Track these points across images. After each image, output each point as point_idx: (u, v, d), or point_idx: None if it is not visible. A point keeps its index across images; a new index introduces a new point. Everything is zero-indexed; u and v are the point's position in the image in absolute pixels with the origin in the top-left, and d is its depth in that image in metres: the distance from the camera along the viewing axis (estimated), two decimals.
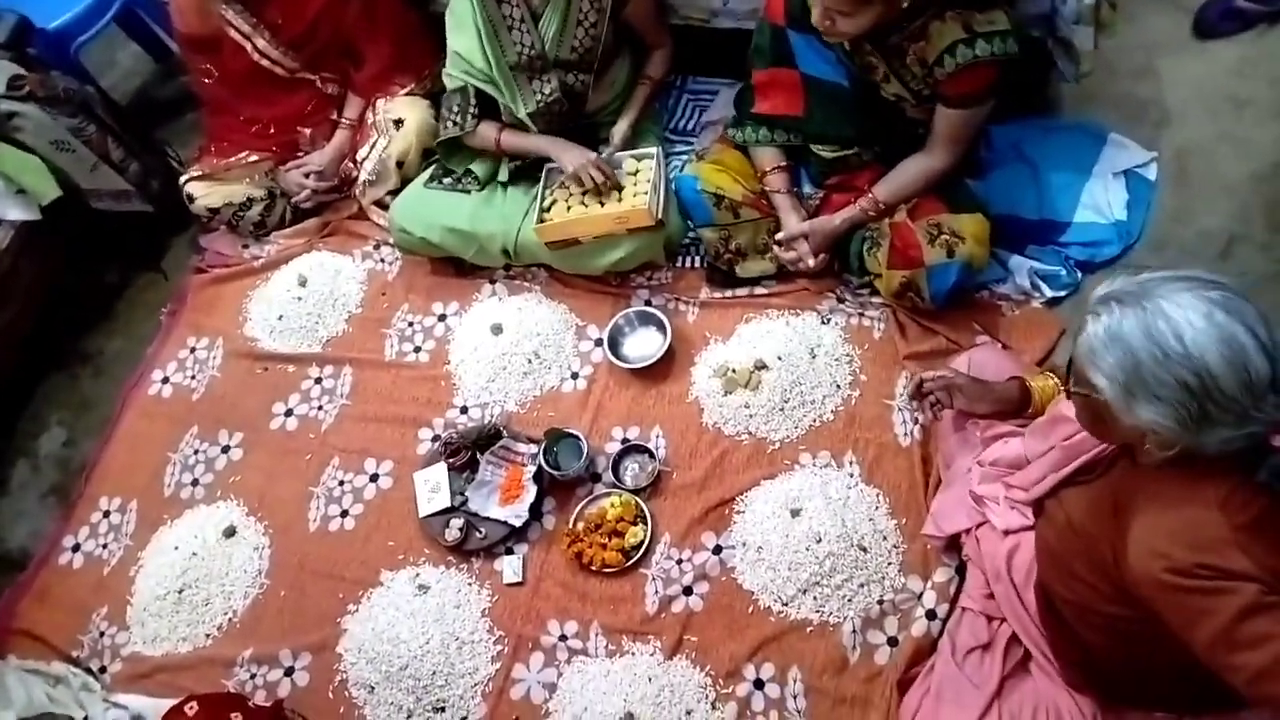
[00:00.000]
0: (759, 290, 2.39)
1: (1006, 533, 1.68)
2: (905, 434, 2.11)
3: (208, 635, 2.19)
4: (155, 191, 2.90)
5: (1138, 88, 2.52)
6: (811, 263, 2.17)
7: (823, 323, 2.30)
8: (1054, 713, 1.55)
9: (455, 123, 2.44)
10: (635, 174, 2.41)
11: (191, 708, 1.86)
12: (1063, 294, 2.22)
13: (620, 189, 2.38)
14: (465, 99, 2.42)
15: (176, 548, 2.29)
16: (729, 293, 2.41)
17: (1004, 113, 2.35)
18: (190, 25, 2.64)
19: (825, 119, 2.12)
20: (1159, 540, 1.16)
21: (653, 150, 2.43)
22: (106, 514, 2.46)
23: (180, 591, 2.22)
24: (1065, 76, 2.26)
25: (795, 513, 2.00)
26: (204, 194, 2.79)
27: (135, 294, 2.97)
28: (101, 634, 2.27)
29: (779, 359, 2.22)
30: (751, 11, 2.35)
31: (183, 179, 2.81)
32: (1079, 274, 2.23)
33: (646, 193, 2.31)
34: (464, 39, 2.35)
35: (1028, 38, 2.23)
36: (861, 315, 2.30)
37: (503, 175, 2.52)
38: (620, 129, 2.45)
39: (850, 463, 2.10)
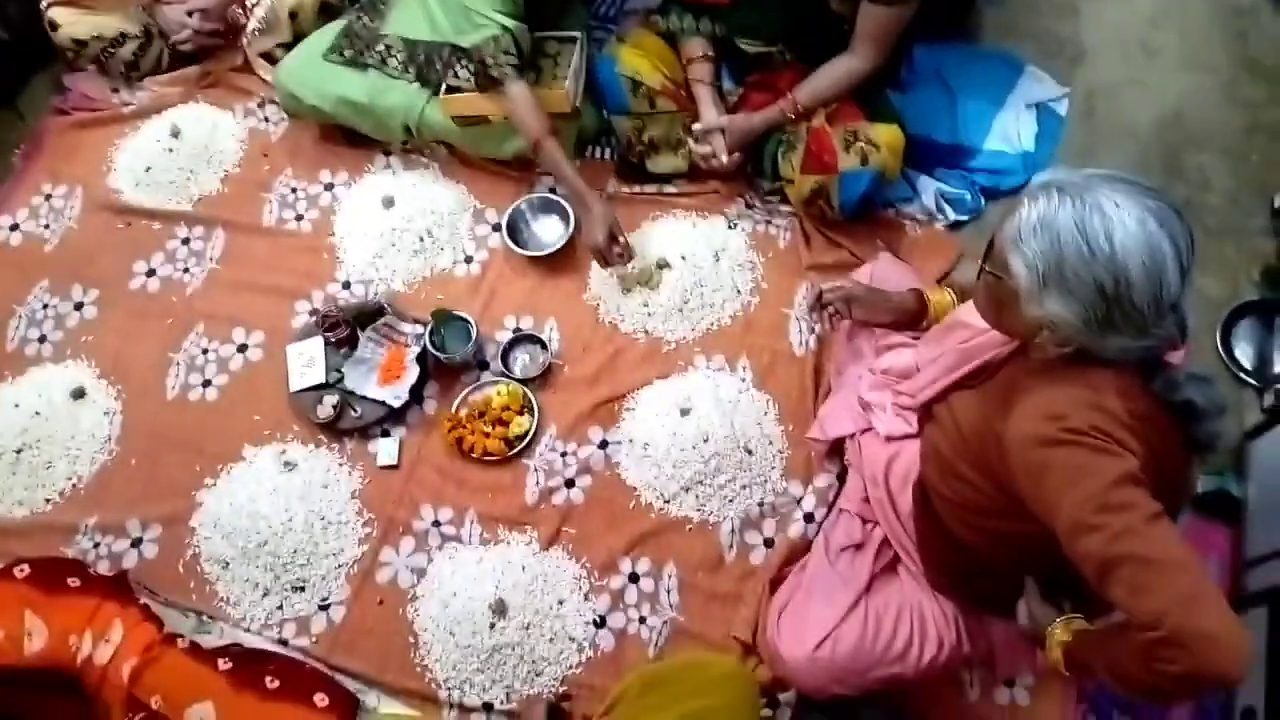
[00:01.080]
0: (668, 189, 2.32)
1: (889, 439, 1.69)
2: (800, 343, 2.10)
3: (47, 500, 2.03)
4: (10, 17, 2.58)
5: (1059, 25, 2.53)
6: (725, 159, 2.10)
7: (729, 227, 2.25)
8: (918, 612, 1.59)
9: (504, 71, 2.08)
10: (556, 56, 2.27)
11: (22, 570, 1.71)
12: (965, 218, 2.24)
13: (538, 70, 2.24)
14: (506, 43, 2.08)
15: (17, 405, 2.09)
16: (637, 188, 2.33)
17: (928, 32, 2.33)
18: None
19: (751, 9, 2.03)
20: (1056, 405, 1.15)
21: (576, 34, 2.28)
22: None
23: (19, 452, 2.03)
24: None
25: (685, 412, 1.97)
26: (69, 22, 2.49)
27: None
28: None
29: (682, 259, 2.16)
30: None
31: (45, 2, 2.50)
32: (983, 200, 2.25)
33: (566, 78, 2.19)
34: None
35: None
36: (769, 224, 2.26)
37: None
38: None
39: (744, 368, 2.08)
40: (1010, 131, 2.32)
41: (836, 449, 1.89)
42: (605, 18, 2.59)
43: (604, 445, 2.02)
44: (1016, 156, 2.29)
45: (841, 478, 1.90)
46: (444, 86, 2.22)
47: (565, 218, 2.25)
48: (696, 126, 2.12)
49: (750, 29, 2.08)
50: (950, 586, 1.59)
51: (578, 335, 2.16)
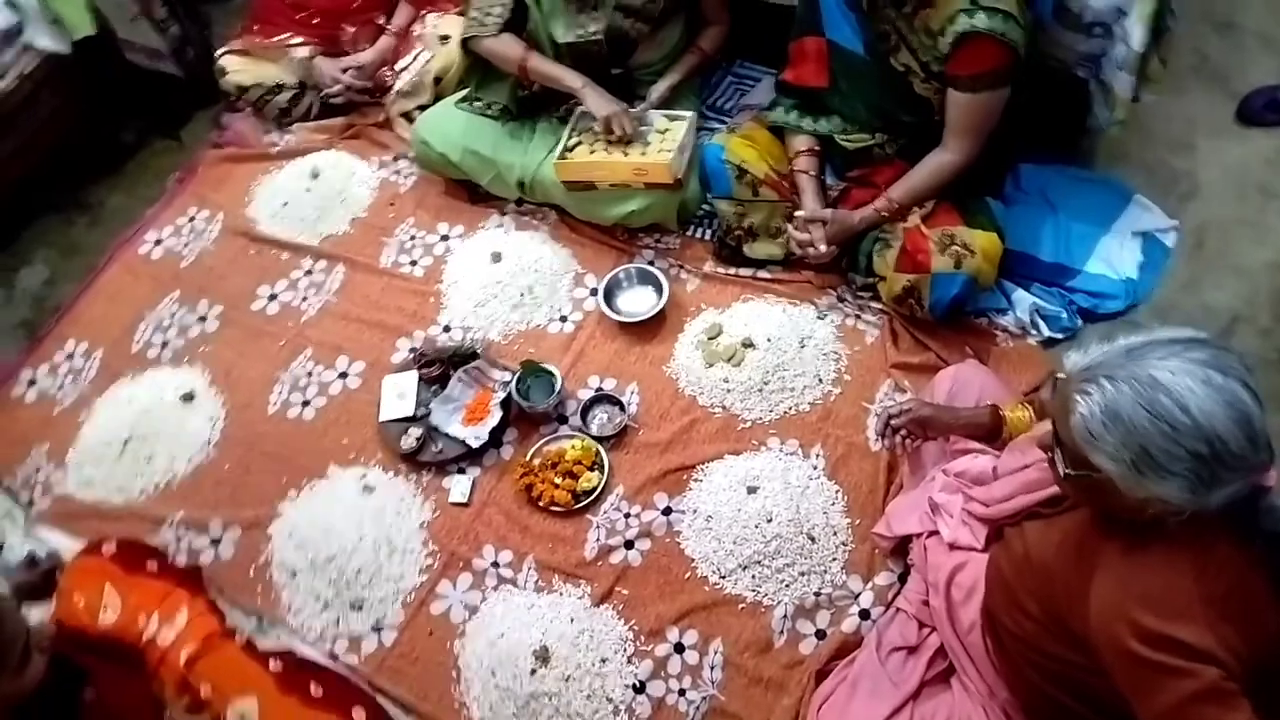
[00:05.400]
0: (762, 274, 2.38)
1: (953, 547, 1.66)
2: (877, 439, 2.09)
3: (142, 490, 2.17)
4: (189, 60, 2.89)
5: (1174, 158, 2.52)
6: (822, 249, 2.15)
7: (818, 317, 2.28)
8: None
9: (480, 21, 2.36)
10: (664, 132, 2.39)
11: (109, 547, 1.82)
12: (1060, 336, 2.21)
13: (646, 144, 2.37)
14: (496, 4, 2.35)
15: (131, 401, 2.27)
16: (733, 270, 2.40)
17: (1036, 153, 2.37)
18: None
19: (848, 90, 2.13)
20: (1129, 602, 1.13)
21: (687, 113, 2.42)
22: (70, 356, 2.44)
23: (126, 442, 2.19)
24: (1099, 123, 2.26)
25: (752, 490, 1.99)
26: (237, 69, 2.77)
27: (148, 156, 2.95)
28: (38, 469, 2.24)
29: (768, 340, 2.20)
30: None
31: (219, 50, 2.79)
32: (1079, 320, 2.23)
33: (671, 151, 2.31)
34: None
35: (1071, 76, 2.25)
36: (858, 318, 2.29)
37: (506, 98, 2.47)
38: (660, 87, 2.44)
39: (817, 455, 2.08)
40: (1114, 256, 2.30)
41: (901, 547, 1.86)
42: (718, 110, 2.72)
43: (668, 512, 2.04)
44: (1119, 282, 2.26)
45: (904, 577, 1.86)
46: (560, 149, 2.37)
47: (659, 290, 2.33)
48: (798, 214, 2.19)
49: (847, 112, 2.17)
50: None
51: (657, 402, 2.21)
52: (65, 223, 2.80)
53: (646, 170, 2.29)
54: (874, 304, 2.28)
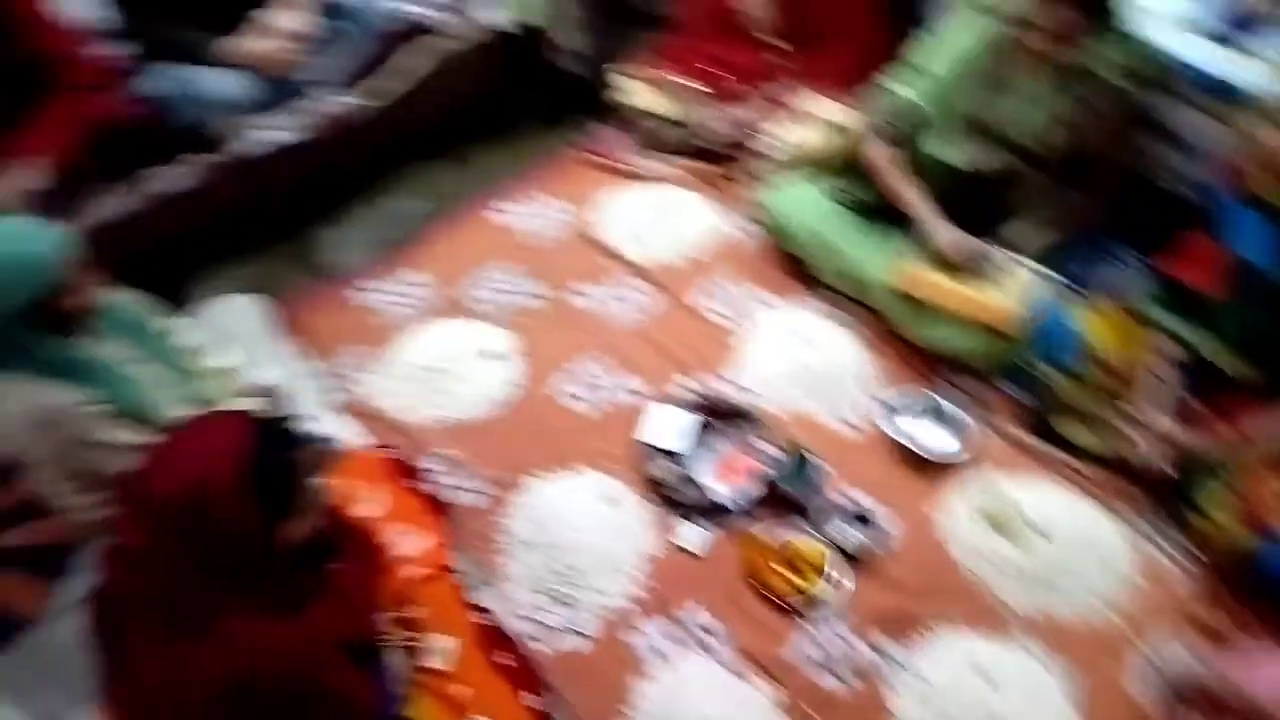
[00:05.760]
0: (1072, 461, 2.20)
1: None
2: (1141, 685, 1.86)
3: (426, 417, 2.34)
4: (594, 66, 3.17)
5: None
6: (1154, 465, 1.96)
7: (1122, 532, 2.08)
8: None
9: (875, 125, 2.40)
10: (1011, 277, 2.30)
11: (386, 452, 1.98)
12: None
13: (992, 283, 2.29)
14: (898, 113, 2.37)
15: (445, 339, 2.49)
16: (1037, 442, 2.25)
17: None
18: None
19: (1239, 309, 1.93)
20: None
21: (1040, 267, 2.32)
22: (410, 283, 2.71)
23: (428, 370, 2.40)
24: None
25: (983, 677, 1.83)
26: (632, 91, 3.00)
27: (525, 135, 3.19)
28: (350, 365, 2.48)
29: (1058, 534, 2.04)
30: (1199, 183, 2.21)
31: (621, 69, 3.04)
32: None
33: (1018, 298, 2.21)
34: (942, 64, 2.31)
35: None
36: (1162, 549, 2.05)
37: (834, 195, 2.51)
38: (1022, 230, 2.36)
39: (1065, 673, 1.89)
40: None
41: None
42: (1072, 276, 2.56)
43: (883, 655, 1.92)
44: None
45: None
46: (904, 257, 2.34)
47: (955, 431, 2.23)
48: (1146, 420, 2.01)
49: (1229, 331, 1.98)
50: None
51: (911, 541, 2.10)
52: (443, 168, 3.12)
53: (987, 309, 2.21)
54: (1188, 541, 2.04)
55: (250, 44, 2.59)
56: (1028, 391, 2.32)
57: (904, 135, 2.38)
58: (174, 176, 2.55)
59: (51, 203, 2.28)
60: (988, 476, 2.19)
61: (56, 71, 2.32)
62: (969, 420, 2.24)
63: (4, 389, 1.69)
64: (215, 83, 2.56)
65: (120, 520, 1.39)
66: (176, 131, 2.55)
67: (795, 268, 2.66)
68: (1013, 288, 2.27)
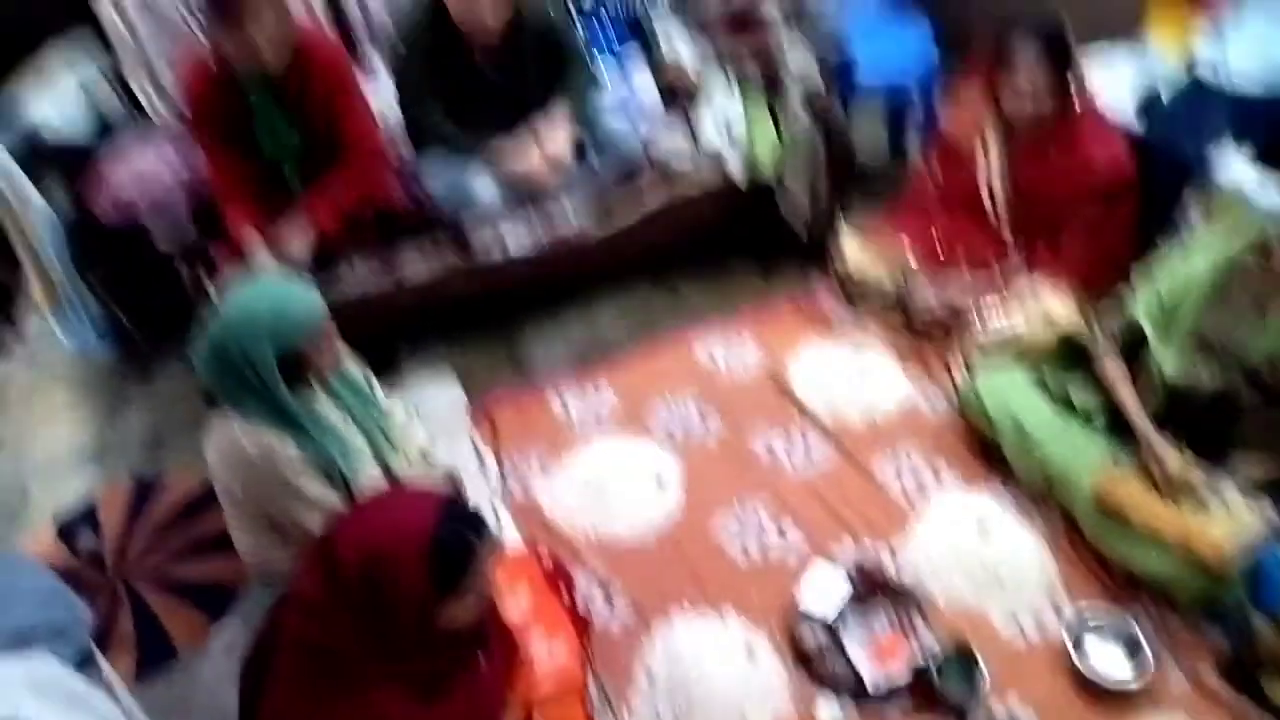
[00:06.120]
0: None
1: None
2: None
3: (583, 528, 2.42)
4: (818, 226, 3.26)
5: None
6: None
7: None
8: None
9: (1097, 336, 2.36)
10: (1230, 508, 2.08)
11: (545, 555, 2.05)
12: None
13: (1205, 509, 2.08)
14: (1125, 326, 2.29)
15: (618, 455, 2.59)
16: (1237, 697, 1.98)
17: None
18: (957, 130, 2.89)
19: None
20: None
21: (1265, 505, 2.08)
22: (600, 396, 2.84)
23: (597, 483, 2.49)
24: None
25: None
26: (855, 257, 3.02)
27: (733, 277, 3.33)
28: (526, 463, 2.62)
29: None
30: None
31: (848, 227, 3.10)
32: None
33: (1236, 536, 1.99)
34: (1175, 281, 2.22)
35: None
36: None
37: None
38: (1246, 462, 2.14)
39: None
40: None
41: None
42: None
43: None
44: None
45: None
46: (1110, 465, 2.19)
47: (1146, 666, 2.00)
48: None
49: None
50: None
51: None
52: (654, 294, 3.28)
53: (1201, 540, 2.01)
54: None
55: (517, 161, 2.90)
56: (1231, 636, 2.06)
57: (1129, 346, 2.30)
58: (423, 266, 2.86)
59: (316, 267, 2.63)
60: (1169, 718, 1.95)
61: (353, 148, 2.70)
62: (1160, 653, 2.01)
63: (235, 425, 1.89)
64: (477, 186, 2.88)
65: (303, 572, 1.51)
66: (435, 222, 2.89)
67: (986, 453, 2.55)
68: (1230, 522, 2.06)
